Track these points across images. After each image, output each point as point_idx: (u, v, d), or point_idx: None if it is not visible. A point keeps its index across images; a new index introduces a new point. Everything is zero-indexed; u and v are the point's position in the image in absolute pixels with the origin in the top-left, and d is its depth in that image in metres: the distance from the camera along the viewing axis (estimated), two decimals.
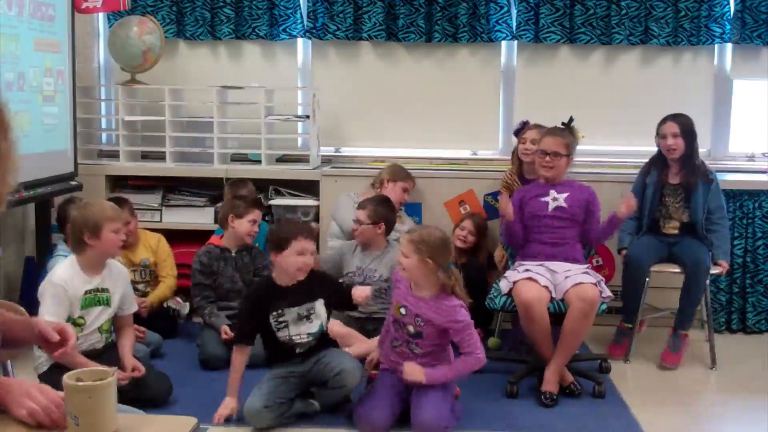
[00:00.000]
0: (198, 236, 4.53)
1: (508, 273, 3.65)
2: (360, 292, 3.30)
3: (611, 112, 4.91)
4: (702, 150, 4.21)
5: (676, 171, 4.04)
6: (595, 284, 3.47)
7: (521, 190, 3.88)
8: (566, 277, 3.48)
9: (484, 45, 4.91)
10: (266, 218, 4.61)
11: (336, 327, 3.64)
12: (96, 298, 3.24)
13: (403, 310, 3.14)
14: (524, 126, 4.26)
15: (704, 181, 4.00)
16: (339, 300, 3.34)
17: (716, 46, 4.84)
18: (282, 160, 4.91)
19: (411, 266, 3.06)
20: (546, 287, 3.46)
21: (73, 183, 4.34)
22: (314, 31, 4.91)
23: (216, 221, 4.45)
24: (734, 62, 4.87)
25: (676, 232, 4.04)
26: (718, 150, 4.95)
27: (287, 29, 4.93)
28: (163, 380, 3.34)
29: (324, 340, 3.29)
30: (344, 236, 4.23)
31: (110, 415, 1.49)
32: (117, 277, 3.34)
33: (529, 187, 3.86)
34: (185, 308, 4.16)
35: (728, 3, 4.71)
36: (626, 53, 4.90)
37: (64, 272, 3.19)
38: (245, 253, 4.05)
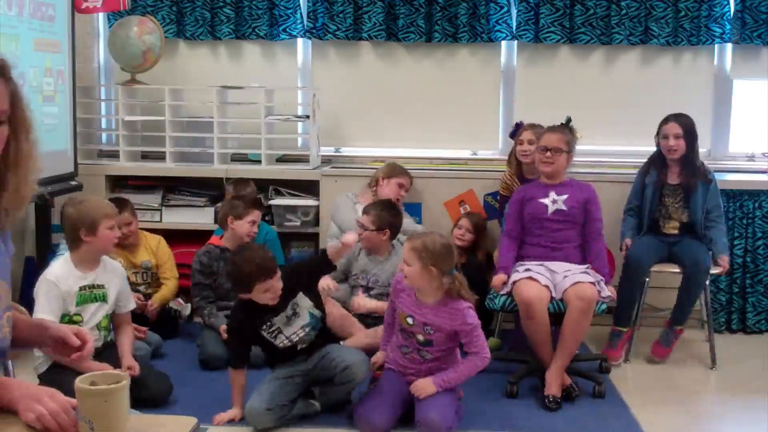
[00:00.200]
0: (198, 236, 4.53)
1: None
2: (347, 236, 3.30)
3: (611, 112, 4.91)
4: (702, 150, 4.21)
5: (676, 171, 4.04)
6: (593, 283, 3.46)
7: (521, 190, 3.87)
8: (565, 277, 3.48)
9: (484, 45, 4.91)
10: (266, 218, 4.61)
11: (335, 309, 3.67)
12: (92, 294, 3.25)
13: (410, 320, 3.12)
14: (519, 127, 4.27)
15: (703, 182, 4.00)
16: (319, 271, 3.32)
17: (716, 46, 4.84)
18: (282, 160, 4.91)
19: (414, 274, 3.03)
20: (546, 286, 3.45)
21: (73, 183, 4.34)
22: (314, 31, 4.91)
23: (216, 221, 4.45)
24: (734, 62, 4.87)
25: (675, 231, 4.04)
26: (718, 150, 4.95)
27: (287, 29, 4.93)
28: (163, 380, 3.34)
29: (324, 335, 3.28)
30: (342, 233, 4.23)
31: (124, 417, 1.49)
32: (112, 273, 3.36)
33: (529, 187, 3.85)
34: (186, 309, 4.16)
35: (728, 3, 4.71)
36: (626, 53, 4.90)
37: (58, 269, 3.21)
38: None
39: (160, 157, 4.76)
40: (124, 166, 4.77)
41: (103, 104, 5.08)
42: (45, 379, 3.06)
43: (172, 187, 4.79)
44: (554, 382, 3.40)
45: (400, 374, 3.19)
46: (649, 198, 4.06)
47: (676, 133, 3.97)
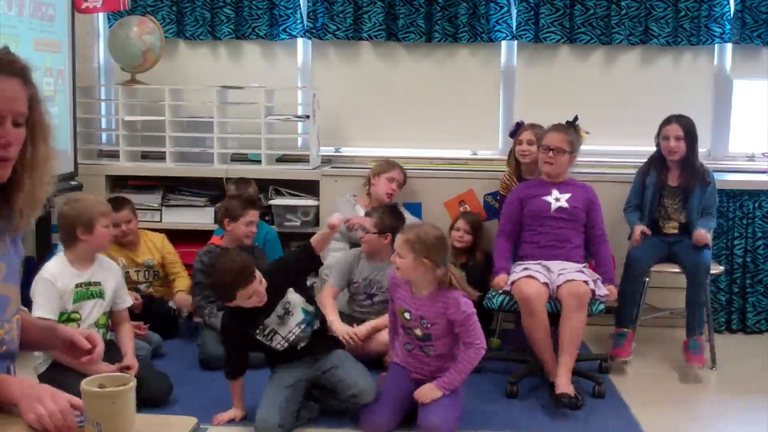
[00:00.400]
0: (198, 236, 4.54)
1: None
2: (332, 218, 3.29)
3: (611, 112, 4.91)
4: (702, 150, 4.22)
5: (676, 173, 4.04)
6: (586, 282, 3.46)
7: (520, 188, 3.87)
8: (560, 275, 3.49)
9: (484, 45, 4.91)
10: (266, 218, 4.61)
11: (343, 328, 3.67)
12: (88, 291, 3.27)
13: (407, 315, 3.12)
14: (519, 127, 4.26)
15: (701, 184, 4.00)
16: (305, 267, 3.31)
17: (716, 46, 4.84)
18: (282, 160, 4.91)
19: (407, 266, 3.03)
20: (545, 284, 3.46)
21: (73, 183, 4.34)
22: (314, 31, 4.91)
23: (215, 221, 4.45)
24: (734, 62, 4.87)
25: (675, 231, 4.03)
26: (718, 150, 4.95)
27: (287, 29, 4.93)
28: (163, 380, 3.34)
29: (324, 337, 3.27)
30: (343, 238, 4.23)
31: (131, 419, 1.50)
32: (108, 270, 3.37)
33: (529, 185, 3.85)
34: (186, 309, 4.15)
35: (728, 3, 4.72)
36: (626, 53, 4.90)
37: (53, 267, 3.22)
38: (247, 254, 4.04)
39: (160, 157, 4.76)
40: (124, 166, 4.77)
41: (103, 104, 5.08)
42: (45, 378, 3.06)
43: (172, 187, 4.79)
44: (564, 381, 3.32)
45: (406, 373, 3.19)
46: (650, 198, 4.06)
47: (677, 135, 3.96)
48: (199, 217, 4.69)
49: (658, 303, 4.27)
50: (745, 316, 4.58)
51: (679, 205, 4.04)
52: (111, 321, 3.39)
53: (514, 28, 4.84)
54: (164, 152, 4.72)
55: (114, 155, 4.86)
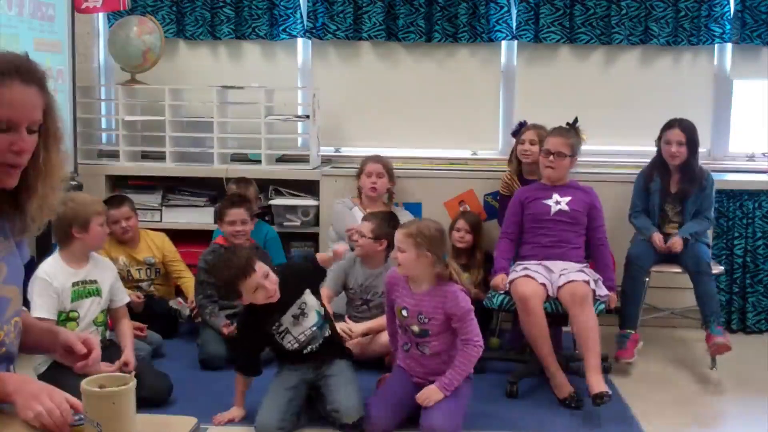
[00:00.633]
0: (198, 236, 4.55)
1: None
2: (338, 247, 3.33)
3: (611, 112, 4.91)
4: (702, 150, 4.21)
5: (676, 177, 4.03)
6: (587, 282, 3.46)
7: (522, 191, 3.87)
8: (561, 275, 3.49)
9: (484, 45, 4.91)
10: (266, 218, 4.62)
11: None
12: (85, 289, 3.29)
13: (404, 312, 3.13)
14: (522, 127, 4.26)
15: (698, 188, 4.00)
16: (312, 277, 3.28)
17: (716, 46, 4.84)
18: (282, 160, 4.90)
19: (408, 260, 3.03)
20: (543, 284, 3.46)
21: (73, 183, 4.34)
22: (314, 31, 4.91)
23: (215, 221, 4.45)
24: (734, 62, 4.87)
25: (676, 231, 4.03)
26: (718, 150, 4.94)
27: (287, 29, 4.93)
28: (163, 380, 3.34)
29: (333, 344, 3.25)
30: (341, 241, 4.23)
31: (132, 419, 1.50)
32: (103, 267, 3.40)
33: (531, 187, 3.86)
34: (186, 310, 4.16)
35: (728, 3, 4.71)
36: (626, 53, 4.90)
37: (48, 267, 3.24)
38: (249, 249, 4.03)
39: (160, 157, 4.76)
40: (124, 166, 4.77)
41: (103, 104, 5.08)
42: (45, 378, 3.04)
43: (172, 187, 4.79)
44: (596, 379, 3.32)
45: (408, 375, 3.19)
46: (657, 204, 4.05)
47: (680, 140, 3.95)
48: (199, 217, 4.69)
49: (659, 303, 4.27)
50: (745, 316, 4.58)
51: (679, 209, 4.04)
52: (110, 318, 3.42)
53: (514, 28, 4.84)
54: (164, 152, 4.72)
55: (114, 155, 4.86)
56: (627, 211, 4.17)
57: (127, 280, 4.12)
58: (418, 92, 5.00)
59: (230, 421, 3.13)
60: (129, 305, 3.94)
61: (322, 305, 3.26)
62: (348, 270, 3.83)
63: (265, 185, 4.67)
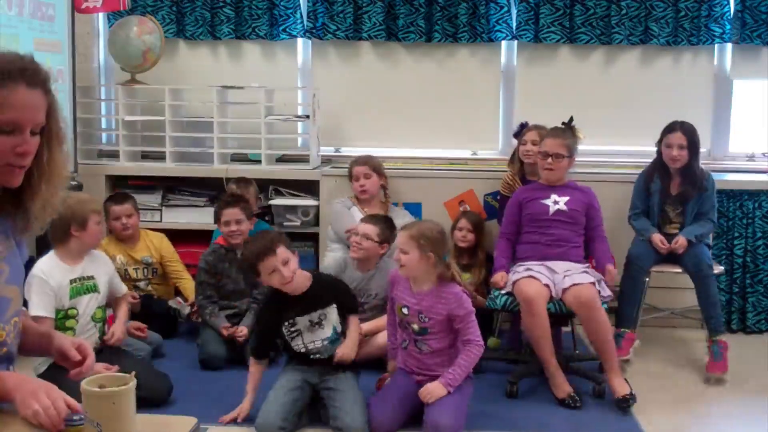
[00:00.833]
0: (198, 236, 4.55)
1: (510, 274, 3.63)
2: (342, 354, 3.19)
3: (611, 112, 4.91)
4: (702, 150, 4.21)
5: (677, 180, 4.03)
6: (592, 283, 3.47)
7: (520, 192, 3.87)
8: (565, 276, 3.49)
9: (484, 45, 4.91)
10: (266, 218, 4.62)
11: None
12: (83, 286, 3.32)
13: (405, 310, 3.14)
14: (523, 127, 4.25)
15: (699, 191, 3.99)
16: (348, 305, 3.29)
17: (716, 46, 4.84)
18: (282, 160, 4.90)
19: (411, 262, 3.05)
20: (546, 285, 3.46)
21: (73, 183, 4.34)
22: (314, 31, 4.91)
23: (215, 221, 4.45)
24: (734, 62, 4.87)
25: (676, 231, 4.03)
26: (718, 150, 4.95)
27: (287, 29, 4.93)
28: (163, 380, 3.35)
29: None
30: (340, 242, 4.23)
31: (132, 419, 1.50)
32: (99, 263, 3.44)
33: (529, 188, 3.86)
34: (185, 309, 4.16)
35: (728, 3, 4.72)
36: (626, 53, 4.90)
37: (44, 265, 3.26)
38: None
39: (160, 157, 4.76)
40: (124, 166, 4.77)
41: (103, 104, 5.08)
42: (45, 378, 3.03)
43: (172, 187, 4.79)
44: (618, 382, 3.39)
45: (409, 375, 3.19)
46: (656, 204, 4.04)
47: (681, 144, 3.94)
48: (199, 217, 4.69)
49: (658, 303, 4.27)
50: (745, 316, 4.58)
51: (679, 210, 4.04)
52: (111, 306, 3.48)
53: (514, 28, 4.84)
54: (164, 152, 4.72)
55: (114, 155, 4.86)
56: (627, 211, 4.17)
57: (125, 279, 4.12)
58: (418, 92, 5.00)
59: (232, 421, 3.12)
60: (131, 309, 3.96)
61: (342, 323, 3.25)
62: (340, 274, 3.79)
63: (265, 185, 4.67)
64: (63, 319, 3.24)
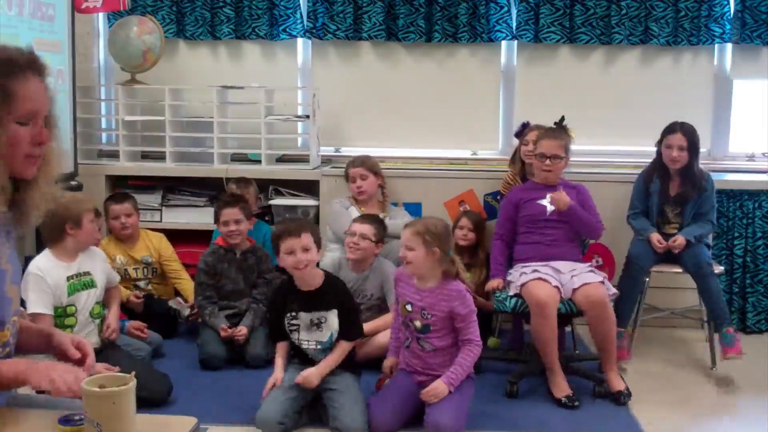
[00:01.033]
0: (198, 236, 4.55)
1: (512, 276, 3.62)
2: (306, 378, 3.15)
3: (611, 112, 4.91)
4: (702, 150, 4.21)
5: (676, 181, 4.03)
6: (601, 282, 3.48)
7: (517, 191, 3.85)
8: (572, 276, 3.48)
9: (484, 45, 4.91)
10: (266, 218, 4.62)
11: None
12: (80, 282, 3.34)
13: (408, 307, 3.14)
14: (525, 127, 4.25)
15: (698, 191, 3.99)
16: (346, 326, 3.21)
17: (716, 46, 4.84)
18: (282, 160, 4.91)
19: (418, 258, 3.06)
20: (556, 287, 3.45)
21: (73, 183, 4.34)
22: (314, 31, 4.91)
23: (215, 221, 4.45)
24: (734, 62, 4.87)
25: (675, 231, 4.03)
26: (718, 150, 4.94)
27: (287, 29, 4.93)
28: (163, 380, 3.35)
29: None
30: (338, 241, 4.23)
31: (132, 419, 1.50)
32: (94, 258, 3.46)
33: (525, 188, 3.85)
34: (186, 309, 4.16)
35: (728, 3, 4.72)
36: (626, 53, 4.90)
37: (40, 262, 3.28)
38: (250, 255, 4.02)
39: (160, 157, 4.76)
40: (124, 166, 4.77)
41: (103, 104, 5.08)
42: None
43: (172, 187, 4.79)
44: (615, 378, 3.50)
45: (410, 375, 3.19)
46: (656, 204, 4.04)
47: (681, 145, 3.94)
48: (199, 217, 4.69)
49: (659, 303, 4.27)
50: (745, 316, 4.58)
51: (678, 211, 4.04)
52: (104, 301, 3.49)
53: (514, 28, 4.84)
54: (164, 152, 4.72)
55: (114, 155, 4.86)
56: (626, 211, 4.17)
57: (125, 279, 4.13)
58: (418, 92, 5.00)
59: (233, 423, 3.12)
60: (129, 305, 3.96)
61: (341, 335, 3.23)
62: (336, 274, 3.77)
63: (265, 185, 4.67)
64: (62, 316, 3.25)
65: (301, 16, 4.91)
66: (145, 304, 4.07)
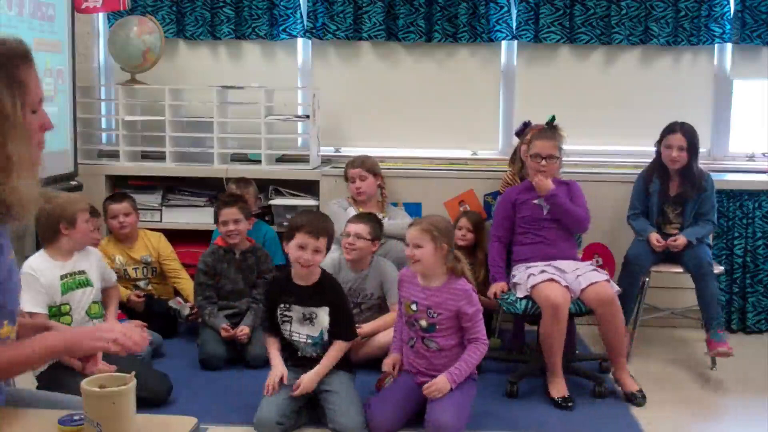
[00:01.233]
0: (198, 236, 4.55)
1: (517, 277, 3.60)
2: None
3: (611, 112, 4.91)
4: (702, 150, 4.21)
5: (676, 181, 4.03)
6: (607, 281, 3.49)
7: (512, 192, 3.84)
8: (578, 276, 3.48)
9: (484, 45, 4.91)
10: (266, 218, 4.62)
11: None
12: (75, 281, 3.33)
13: (414, 307, 3.14)
14: (527, 126, 4.25)
15: (698, 191, 3.99)
16: (338, 325, 3.21)
17: (716, 46, 4.84)
18: (282, 160, 4.91)
19: (427, 255, 3.07)
20: (566, 287, 3.44)
21: (73, 183, 4.35)
22: (314, 31, 4.91)
23: (215, 221, 4.45)
24: (734, 62, 4.87)
25: (676, 231, 4.03)
26: (718, 150, 4.94)
27: (287, 29, 4.93)
28: (163, 380, 3.35)
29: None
30: (337, 242, 4.22)
31: (132, 419, 1.50)
32: (89, 256, 3.45)
33: (520, 188, 3.83)
34: (186, 309, 4.16)
35: (728, 3, 4.72)
36: (626, 53, 4.90)
37: (33, 262, 3.28)
38: (250, 255, 4.03)
39: (160, 157, 4.76)
40: (124, 166, 4.77)
41: (103, 104, 5.08)
42: (44, 378, 3.05)
43: (172, 187, 4.79)
44: (627, 378, 3.51)
45: (411, 375, 3.18)
46: (656, 204, 4.04)
47: (681, 146, 3.94)
48: (199, 217, 4.69)
49: (659, 303, 4.27)
50: (745, 316, 4.58)
51: (679, 211, 4.04)
52: (102, 301, 3.48)
53: (514, 28, 4.84)
54: (164, 152, 4.72)
55: (114, 155, 4.86)
56: (626, 211, 4.17)
57: (124, 279, 4.13)
58: (418, 92, 5.00)
59: (238, 421, 3.12)
60: (130, 305, 3.96)
61: (333, 334, 3.23)
62: (335, 275, 3.73)
63: (265, 185, 4.67)
64: (57, 315, 3.24)
65: (301, 16, 4.91)
66: (145, 304, 4.08)
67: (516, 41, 4.90)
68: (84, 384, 1.50)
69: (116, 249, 4.16)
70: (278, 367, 3.16)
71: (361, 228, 3.76)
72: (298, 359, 3.21)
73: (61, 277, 3.28)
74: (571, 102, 4.78)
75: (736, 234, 4.54)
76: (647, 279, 3.97)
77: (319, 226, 3.17)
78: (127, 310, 3.94)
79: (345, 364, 3.25)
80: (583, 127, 4.57)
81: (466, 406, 3.09)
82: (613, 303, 3.43)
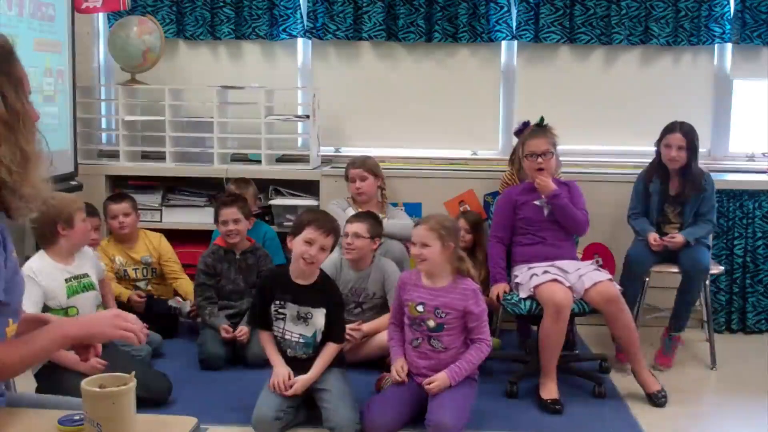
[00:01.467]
0: (198, 236, 4.55)
1: (519, 278, 3.60)
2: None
3: (611, 112, 4.91)
4: (702, 150, 4.21)
5: (676, 181, 4.03)
6: (610, 280, 3.49)
7: (511, 192, 3.84)
8: (580, 276, 3.48)
9: (484, 45, 4.91)
10: (266, 218, 4.62)
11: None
12: (81, 284, 3.32)
13: (420, 308, 3.13)
14: (526, 126, 4.25)
15: (698, 191, 3.99)
16: (332, 327, 3.21)
17: (716, 46, 4.84)
18: (282, 160, 4.91)
19: (434, 254, 3.07)
20: (569, 288, 3.44)
21: (73, 183, 4.35)
22: (314, 31, 4.91)
23: (215, 221, 4.45)
24: (734, 62, 4.87)
25: (676, 231, 4.03)
26: (718, 150, 4.94)
27: (287, 29, 4.93)
28: (163, 380, 3.35)
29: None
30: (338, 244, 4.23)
31: (132, 419, 1.50)
32: (85, 257, 3.45)
33: (520, 189, 3.83)
34: (186, 306, 4.16)
35: (728, 3, 4.72)
36: (626, 53, 4.90)
37: (34, 264, 3.26)
38: (250, 255, 4.03)
39: (160, 157, 4.76)
40: (124, 166, 4.77)
41: (103, 104, 5.08)
42: (41, 377, 3.05)
43: (172, 187, 4.79)
44: (648, 377, 3.49)
45: (412, 376, 3.17)
46: (656, 204, 4.04)
47: (680, 145, 3.94)
48: (199, 217, 4.69)
49: (658, 303, 4.27)
50: (745, 316, 4.58)
51: (679, 210, 4.04)
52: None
53: (514, 28, 4.84)
54: (164, 152, 4.72)
55: (114, 155, 4.86)
56: (626, 211, 4.16)
57: (124, 279, 4.13)
58: (418, 92, 5.00)
59: (233, 424, 3.11)
60: (131, 305, 3.95)
61: (328, 336, 3.22)
62: (336, 275, 3.77)
63: (265, 185, 4.67)
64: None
65: (301, 16, 4.91)
66: (145, 304, 4.07)
67: (516, 41, 4.90)
68: (84, 384, 1.49)
69: (116, 249, 4.16)
70: (281, 366, 3.15)
71: (359, 227, 3.76)
72: (287, 360, 3.19)
73: (66, 281, 3.25)
74: (571, 102, 4.78)
75: (736, 234, 4.54)
76: (647, 279, 3.97)
77: (329, 224, 3.17)
78: (128, 310, 3.92)
79: (337, 359, 3.25)
80: (583, 127, 4.56)
81: (466, 406, 3.09)
82: (619, 300, 3.43)
